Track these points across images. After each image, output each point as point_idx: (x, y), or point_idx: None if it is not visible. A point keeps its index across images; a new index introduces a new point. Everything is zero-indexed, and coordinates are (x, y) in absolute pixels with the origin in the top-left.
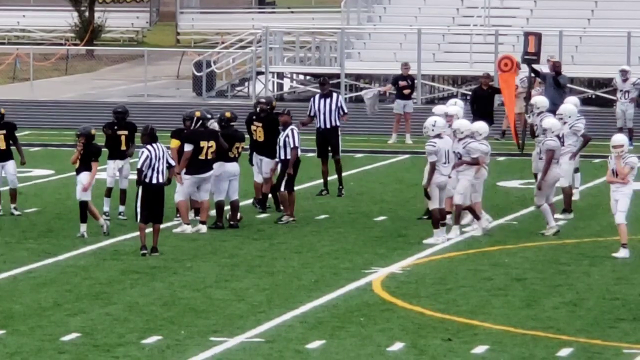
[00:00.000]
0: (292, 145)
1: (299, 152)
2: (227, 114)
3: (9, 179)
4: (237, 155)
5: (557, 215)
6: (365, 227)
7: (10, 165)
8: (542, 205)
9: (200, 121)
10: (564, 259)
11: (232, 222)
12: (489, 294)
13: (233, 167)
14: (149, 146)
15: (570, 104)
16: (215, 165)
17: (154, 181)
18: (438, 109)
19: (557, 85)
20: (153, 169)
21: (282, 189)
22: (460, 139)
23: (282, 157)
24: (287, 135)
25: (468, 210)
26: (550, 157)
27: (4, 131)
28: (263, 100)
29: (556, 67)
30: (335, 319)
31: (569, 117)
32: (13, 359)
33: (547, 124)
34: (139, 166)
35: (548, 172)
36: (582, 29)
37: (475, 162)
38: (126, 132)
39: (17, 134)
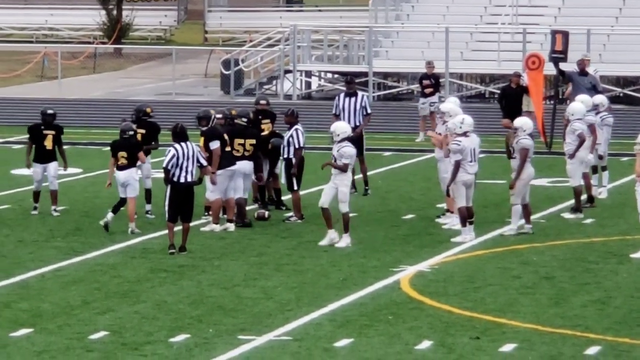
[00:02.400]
0: (296, 146)
1: (303, 152)
2: (233, 111)
3: (49, 180)
4: (244, 153)
5: (568, 215)
6: (393, 226)
7: (52, 166)
8: (516, 205)
9: (215, 119)
10: (592, 257)
11: (245, 220)
12: (517, 292)
13: (244, 165)
14: (176, 145)
15: (579, 103)
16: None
17: (182, 180)
18: (446, 107)
19: (594, 89)
20: (181, 168)
21: (295, 188)
22: (336, 142)
23: (286, 155)
24: (292, 136)
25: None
26: (525, 155)
27: (53, 132)
28: (263, 101)
29: (581, 65)
30: (363, 317)
31: (572, 115)
32: (41, 357)
33: (519, 122)
34: (164, 165)
35: (523, 171)
36: (610, 27)
37: (343, 168)
38: (143, 131)
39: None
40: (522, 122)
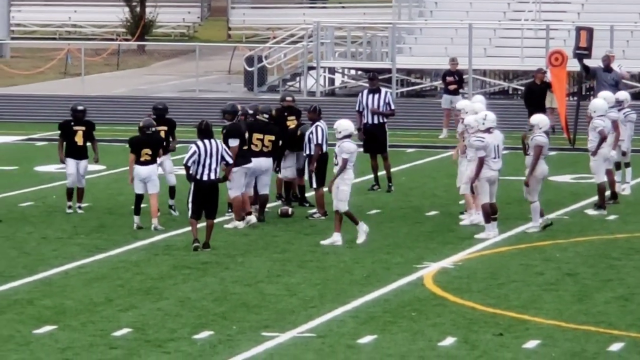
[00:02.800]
0: (315, 142)
1: (325, 149)
2: (259, 108)
3: (77, 178)
4: (262, 148)
5: (591, 212)
6: (416, 222)
7: (83, 164)
8: (534, 202)
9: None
10: (615, 254)
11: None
12: (540, 289)
13: (260, 161)
14: (198, 142)
15: (601, 99)
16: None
17: (205, 178)
18: (462, 104)
19: (617, 86)
20: (203, 166)
21: (315, 186)
22: (338, 139)
23: (308, 152)
24: (312, 132)
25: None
26: (539, 152)
27: (84, 128)
28: (289, 97)
29: (605, 62)
30: (386, 313)
31: (594, 112)
32: (65, 354)
33: (535, 119)
34: (184, 162)
35: (536, 167)
36: (633, 23)
37: (341, 167)
38: (165, 128)
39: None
40: (538, 120)
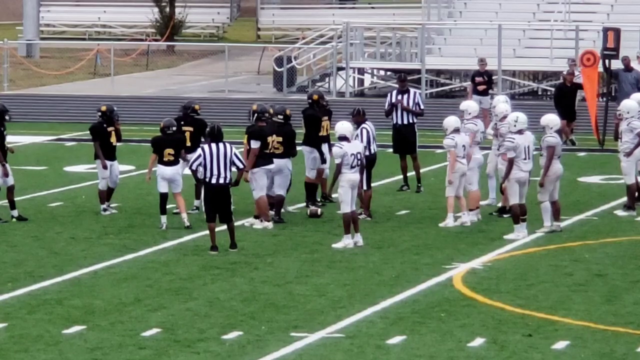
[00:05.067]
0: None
1: (373, 149)
2: (270, 110)
3: (112, 179)
4: (273, 150)
5: (620, 213)
6: None
7: (116, 165)
8: (543, 202)
9: (257, 115)
10: None
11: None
12: (569, 290)
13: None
14: (205, 146)
15: (633, 101)
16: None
17: (214, 181)
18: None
19: (637, 85)
20: (211, 170)
21: (365, 187)
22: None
23: None
24: (357, 135)
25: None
26: (551, 153)
27: (114, 128)
28: (317, 95)
29: (625, 62)
30: (415, 314)
31: (627, 112)
32: (94, 354)
33: (545, 120)
34: (188, 165)
35: (550, 168)
36: None
37: (337, 172)
38: (191, 129)
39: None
40: (548, 120)
